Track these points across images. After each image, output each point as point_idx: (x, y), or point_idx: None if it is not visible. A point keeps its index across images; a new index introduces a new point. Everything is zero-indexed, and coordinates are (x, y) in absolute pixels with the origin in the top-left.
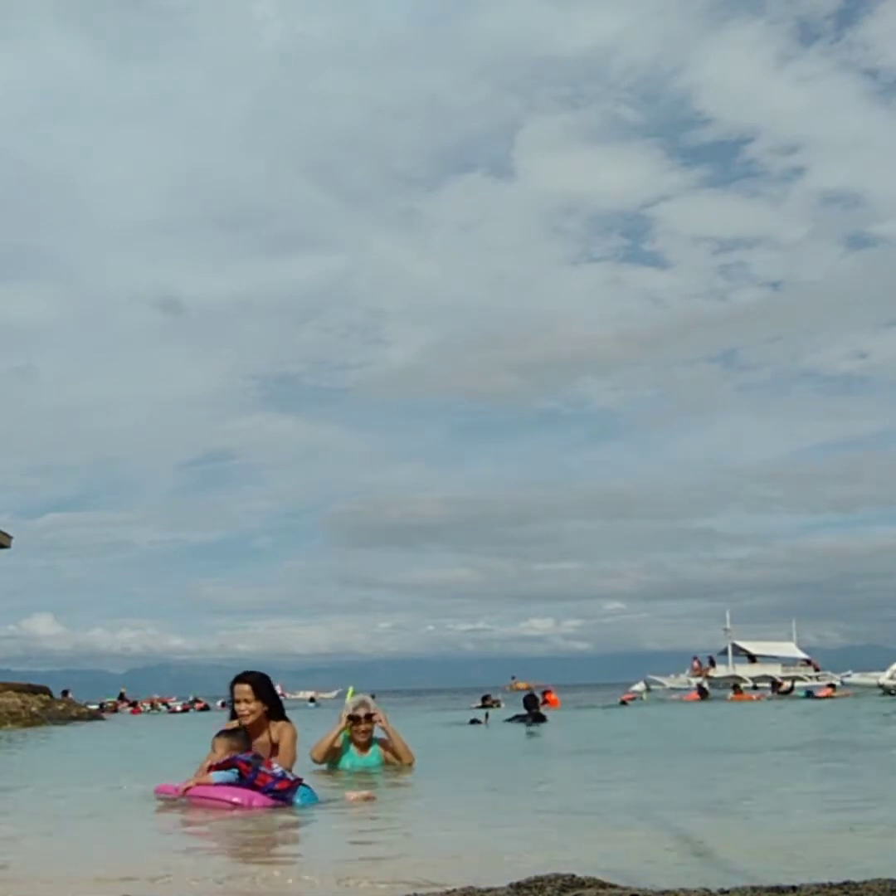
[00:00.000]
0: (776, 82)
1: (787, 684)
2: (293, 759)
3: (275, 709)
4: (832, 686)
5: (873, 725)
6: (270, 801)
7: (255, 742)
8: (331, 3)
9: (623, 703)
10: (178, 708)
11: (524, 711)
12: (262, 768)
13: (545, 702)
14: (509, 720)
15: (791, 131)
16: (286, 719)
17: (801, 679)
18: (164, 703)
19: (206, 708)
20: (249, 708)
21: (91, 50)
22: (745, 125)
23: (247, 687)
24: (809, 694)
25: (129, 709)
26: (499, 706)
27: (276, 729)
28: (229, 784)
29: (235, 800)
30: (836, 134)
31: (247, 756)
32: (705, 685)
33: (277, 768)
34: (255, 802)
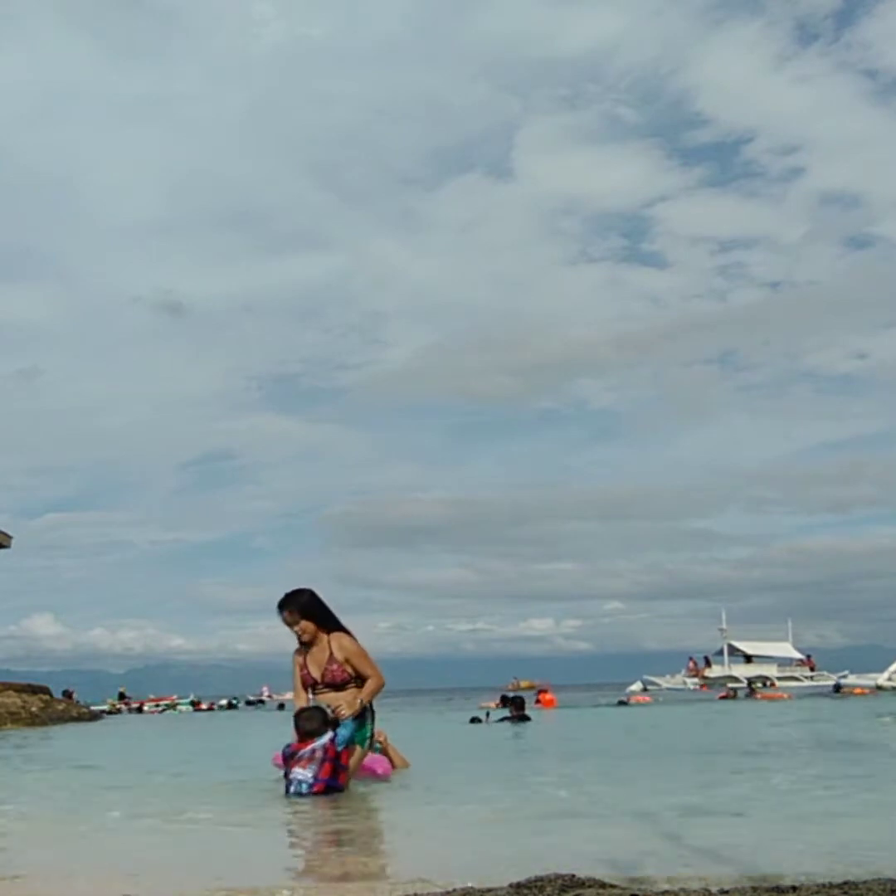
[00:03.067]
0: (775, 82)
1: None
2: (375, 675)
3: (322, 619)
4: (859, 687)
5: (881, 724)
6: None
7: (312, 654)
8: (331, 3)
9: (621, 703)
10: (204, 706)
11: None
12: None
13: (538, 701)
14: (499, 721)
15: (790, 131)
16: (341, 628)
17: (796, 679)
18: (192, 703)
19: (225, 706)
20: (300, 628)
21: (91, 50)
22: (744, 125)
23: (287, 612)
24: (837, 691)
25: (152, 705)
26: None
27: (334, 643)
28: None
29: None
30: (834, 134)
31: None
32: (706, 686)
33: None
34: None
